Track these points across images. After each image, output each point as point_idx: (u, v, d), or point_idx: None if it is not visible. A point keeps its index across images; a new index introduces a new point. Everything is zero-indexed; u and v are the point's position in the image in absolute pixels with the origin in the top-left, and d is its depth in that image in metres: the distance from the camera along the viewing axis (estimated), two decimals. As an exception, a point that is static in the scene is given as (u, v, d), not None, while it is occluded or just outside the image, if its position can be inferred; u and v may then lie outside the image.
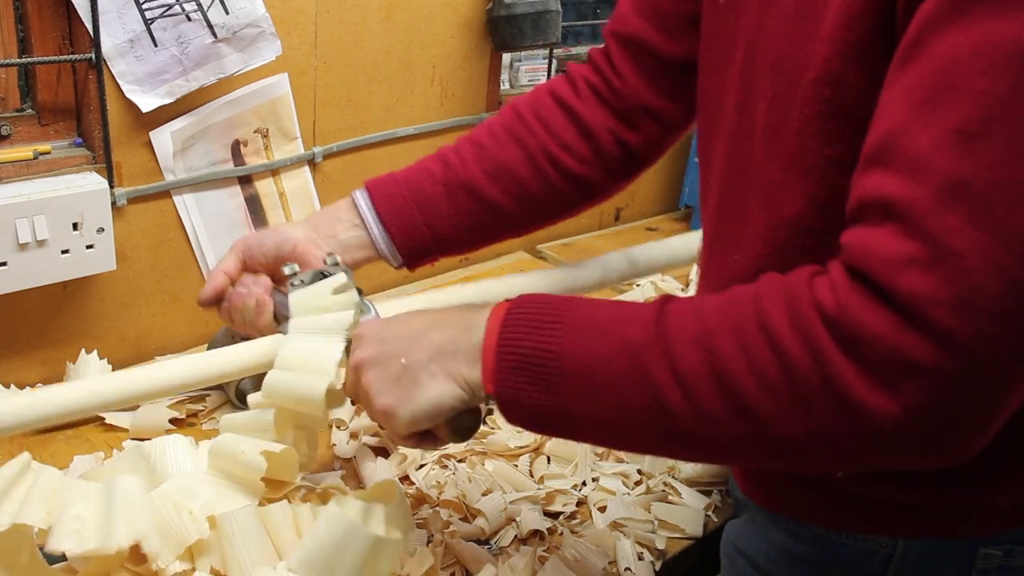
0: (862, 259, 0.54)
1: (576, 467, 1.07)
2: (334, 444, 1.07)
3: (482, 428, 0.98)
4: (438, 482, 1.02)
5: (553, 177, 0.94)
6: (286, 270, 0.90)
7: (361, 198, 0.96)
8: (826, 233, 0.63)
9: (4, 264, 1.04)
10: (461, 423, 0.72)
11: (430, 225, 0.94)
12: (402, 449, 1.06)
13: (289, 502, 0.87)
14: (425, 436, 0.73)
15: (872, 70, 0.58)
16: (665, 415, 0.59)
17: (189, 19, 1.10)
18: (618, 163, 0.95)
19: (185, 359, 0.91)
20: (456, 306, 0.75)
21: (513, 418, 0.67)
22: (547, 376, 0.64)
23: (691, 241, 1.22)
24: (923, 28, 0.53)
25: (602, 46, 0.95)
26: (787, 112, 0.64)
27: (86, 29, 1.06)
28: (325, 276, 0.89)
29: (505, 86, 1.60)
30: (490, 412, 1.09)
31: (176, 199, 1.22)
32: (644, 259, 1.16)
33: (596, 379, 0.62)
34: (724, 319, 0.59)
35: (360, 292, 0.88)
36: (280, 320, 0.91)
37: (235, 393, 1.11)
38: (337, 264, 0.91)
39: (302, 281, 0.88)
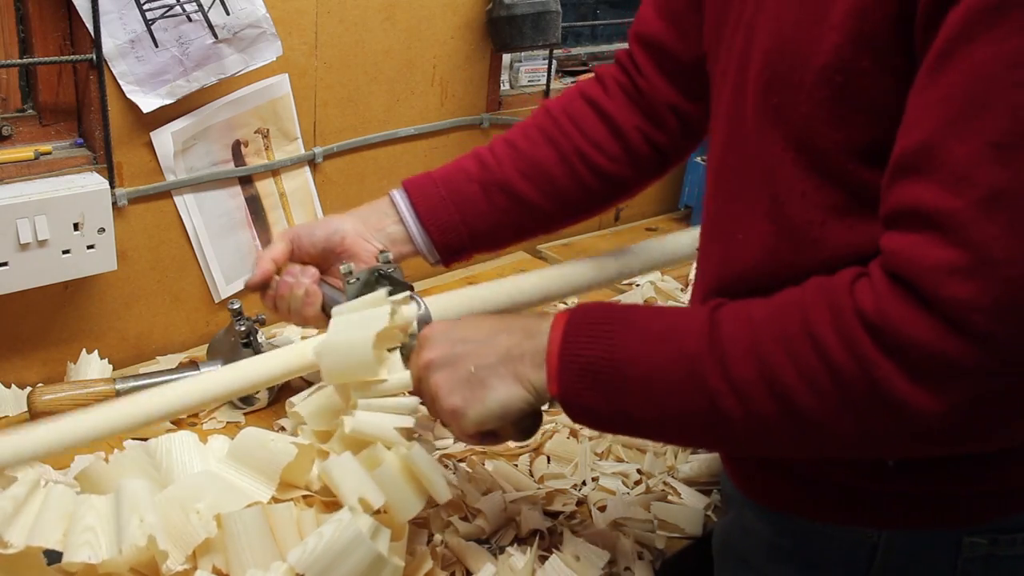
0: (904, 266, 0.57)
1: (576, 467, 1.07)
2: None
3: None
4: (438, 482, 1.02)
5: (585, 176, 0.96)
6: (342, 269, 0.91)
7: (399, 198, 0.98)
8: (834, 208, 0.65)
9: (5, 264, 1.04)
10: (525, 423, 0.76)
11: (467, 223, 0.96)
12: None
13: (295, 506, 0.88)
14: (488, 434, 0.76)
15: (883, 58, 0.59)
16: (722, 419, 0.63)
17: (190, 20, 1.10)
18: (647, 161, 0.97)
19: (235, 366, 0.91)
20: (519, 313, 0.82)
21: (576, 419, 0.72)
22: (607, 383, 0.67)
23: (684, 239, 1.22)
24: (953, 38, 0.54)
25: (627, 47, 0.97)
26: (790, 95, 0.64)
27: (87, 30, 1.06)
28: (380, 274, 0.90)
29: (505, 87, 1.60)
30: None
31: (177, 199, 1.22)
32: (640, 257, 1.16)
33: (654, 386, 0.66)
34: (773, 328, 0.62)
35: (412, 288, 0.89)
36: (330, 313, 0.92)
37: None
38: (389, 262, 0.92)
39: (357, 279, 0.90)
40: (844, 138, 0.63)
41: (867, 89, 0.61)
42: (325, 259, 0.96)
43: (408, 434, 0.82)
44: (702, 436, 0.70)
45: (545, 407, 0.76)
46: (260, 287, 0.96)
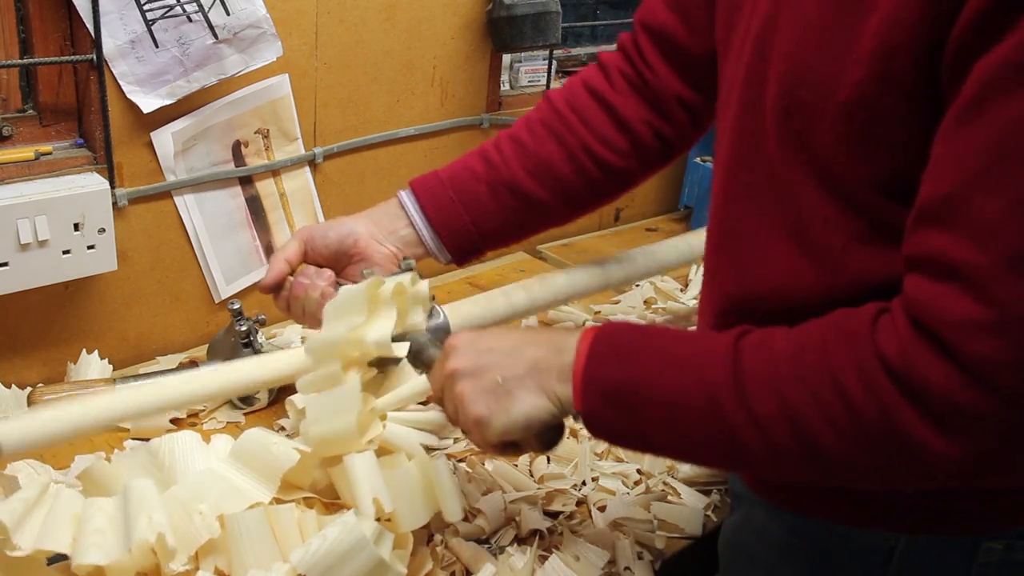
0: (928, 316, 0.57)
1: (576, 467, 1.08)
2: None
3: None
4: (438, 482, 1.02)
5: (592, 171, 0.97)
6: (364, 273, 0.91)
7: (408, 200, 0.98)
8: (856, 235, 0.65)
9: (6, 264, 1.04)
10: (547, 435, 0.76)
11: (476, 223, 0.97)
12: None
13: (297, 507, 0.88)
14: (510, 444, 0.76)
15: (908, 97, 0.59)
16: (740, 448, 0.64)
17: (190, 20, 1.10)
18: (654, 153, 0.98)
19: (239, 364, 0.94)
20: (547, 327, 0.84)
21: (596, 435, 0.72)
22: (629, 405, 0.68)
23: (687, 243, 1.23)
24: (985, 88, 0.54)
25: (631, 34, 0.97)
26: (812, 124, 0.64)
27: (87, 30, 1.06)
28: None
29: (505, 87, 1.61)
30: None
31: (177, 199, 1.22)
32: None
33: (674, 411, 0.66)
34: (795, 365, 0.62)
35: (432, 297, 0.89)
36: None
37: (236, 393, 1.12)
38: (411, 269, 0.92)
39: None
40: (866, 170, 0.63)
41: (889, 125, 0.61)
42: (338, 260, 0.97)
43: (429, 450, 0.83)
44: (721, 461, 0.72)
45: (568, 421, 0.76)
46: (274, 288, 0.96)
